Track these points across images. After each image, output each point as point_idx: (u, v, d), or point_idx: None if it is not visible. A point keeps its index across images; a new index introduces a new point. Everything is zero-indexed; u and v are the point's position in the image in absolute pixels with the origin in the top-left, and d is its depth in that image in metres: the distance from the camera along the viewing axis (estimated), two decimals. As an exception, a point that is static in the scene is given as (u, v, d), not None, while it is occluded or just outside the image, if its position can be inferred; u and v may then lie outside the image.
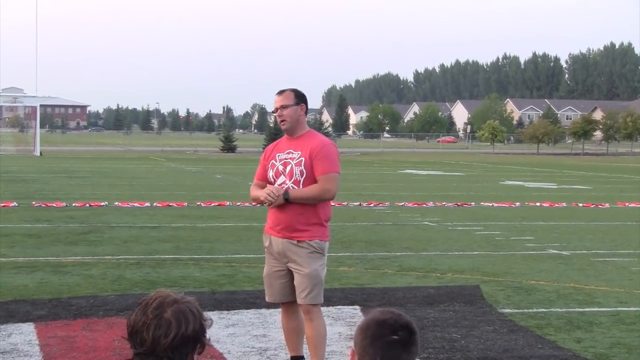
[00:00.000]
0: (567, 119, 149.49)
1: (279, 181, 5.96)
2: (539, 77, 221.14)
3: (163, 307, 2.55)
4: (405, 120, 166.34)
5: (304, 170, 5.90)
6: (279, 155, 6.03)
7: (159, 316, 2.53)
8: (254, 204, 6.40)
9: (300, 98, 6.06)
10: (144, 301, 2.60)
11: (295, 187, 5.89)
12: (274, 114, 6.15)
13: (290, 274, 5.98)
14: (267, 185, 6.00)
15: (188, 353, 2.56)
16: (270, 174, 6.03)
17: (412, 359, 2.52)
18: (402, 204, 21.36)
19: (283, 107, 5.99)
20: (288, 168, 5.95)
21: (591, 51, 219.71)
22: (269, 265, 6.08)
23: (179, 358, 2.54)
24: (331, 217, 6.10)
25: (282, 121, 6.01)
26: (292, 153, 5.97)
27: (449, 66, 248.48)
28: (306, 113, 6.10)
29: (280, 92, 6.09)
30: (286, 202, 5.83)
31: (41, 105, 78.71)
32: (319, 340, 5.96)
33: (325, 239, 5.99)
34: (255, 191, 6.11)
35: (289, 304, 6.08)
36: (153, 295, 2.61)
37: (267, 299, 6.21)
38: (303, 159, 5.92)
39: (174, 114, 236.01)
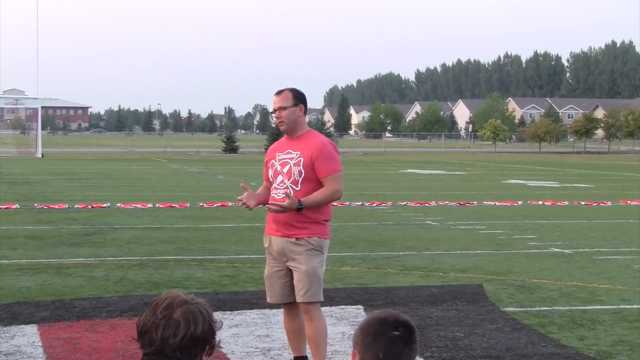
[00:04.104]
0: (568, 117, 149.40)
1: (278, 181, 5.98)
2: (540, 75, 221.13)
3: (172, 307, 2.56)
4: (407, 120, 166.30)
5: (303, 171, 5.91)
6: (278, 155, 6.04)
7: (168, 316, 2.54)
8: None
9: (298, 98, 6.03)
10: (154, 302, 2.62)
11: (293, 187, 5.90)
12: (273, 115, 6.13)
13: (290, 274, 5.98)
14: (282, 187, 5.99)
15: (197, 354, 2.56)
16: (270, 173, 6.07)
17: (413, 355, 2.55)
18: (405, 203, 21.36)
19: (281, 108, 5.97)
20: (286, 168, 5.96)
21: (592, 49, 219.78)
22: (269, 266, 6.09)
23: (187, 359, 2.55)
24: (331, 216, 6.10)
25: (280, 122, 6.01)
26: (291, 153, 5.98)
27: (450, 65, 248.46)
28: (305, 113, 6.09)
29: (278, 93, 6.05)
30: (299, 211, 5.82)
31: (43, 107, 78.78)
32: (319, 339, 5.96)
33: (325, 237, 5.99)
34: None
35: (290, 304, 6.08)
36: (163, 296, 2.62)
37: (268, 300, 6.21)
38: (302, 159, 5.92)
39: (176, 115, 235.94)
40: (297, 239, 5.89)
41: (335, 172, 5.95)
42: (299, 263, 5.89)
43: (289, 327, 6.18)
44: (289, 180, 5.93)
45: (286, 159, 5.99)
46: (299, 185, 5.91)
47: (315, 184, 5.94)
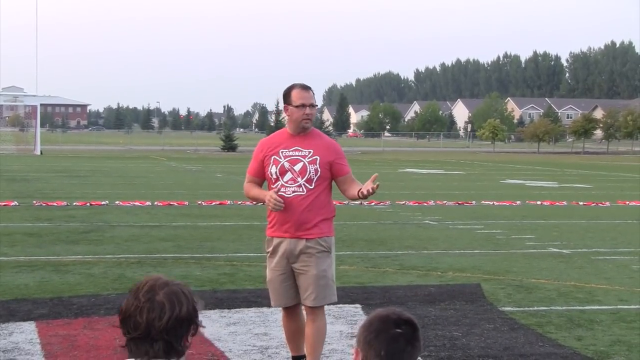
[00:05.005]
0: (567, 117, 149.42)
1: (286, 178, 5.80)
2: (539, 75, 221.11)
3: (155, 290, 2.54)
4: (406, 119, 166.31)
5: (319, 169, 5.81)
6: (283, 152, 5.85)
7: (152, 299, 2.53)
8: (252, 202, 6.36)
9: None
10: (135, 286, 2.60)
11: (307, 185, 5.78)
12: (300, 108, 5.80)
13: (293, 276, 5.87)
14: (285, 186, 5.86)
15: (182, 335, 2.55)
16: (273, 170, 5.84)
17: (416, 353, 2.55)
18: (403, 202, 21.37)
19: (312, 105, 5.86)
20: (299, 166, 5.80)
21: (592, 50, 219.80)
22: (272, 270, 5.93)
23: (174, 340, 2.54)
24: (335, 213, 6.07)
25: (308, 119, 5.85)
26: (302, 151, 5.83)
27: (449, 65, 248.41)
28: None
29: (307, 89, 5.90)
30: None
31: (41, 105, 78.71)
32: (318, 340, 5.91)
33: (332, 234, 5.95)
34: (256, 190, 5.98)
35: (292, 306, 5.99)
36: (144, 280, 2.61)
37: (273, 304, 6.07)
38: (318, 157, 5.81)
39: (175, 113, 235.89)
40: (307, 239, 5.78)
41: (350, 169, 6.03)
42: (308, 266, 5.78)
43: (288, 328, 6.10)
44: (302, 178, 5.78)
45: (297, 156, 5.82)
46: (313, 184, 5.80)
47: (327, 182, 5.89)
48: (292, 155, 5.83)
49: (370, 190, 5.71)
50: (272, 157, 5.87)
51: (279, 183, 5.83)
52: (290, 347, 6.21)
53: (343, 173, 5.91)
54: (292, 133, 5.91)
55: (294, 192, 5.79)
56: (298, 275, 5.85)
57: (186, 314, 2.55)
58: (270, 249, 5.93)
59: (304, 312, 6.06)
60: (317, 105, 5.95)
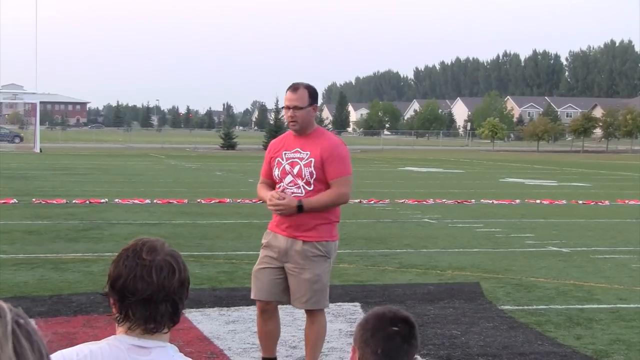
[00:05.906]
0: (567, 116, 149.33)
1: (287, 181, 5.77)
2: (539, 74, 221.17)
3: (156, 250, 2.42)
4: (406, 118, 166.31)
5: (314, 172, 5.71)
6: (285, 154, 5.80)
7: (156, 259, 2.40)
8: (255, 200, 6.36)
9: (313, 98, 5.80)
10: (131, 248, 2.45)
11: (306, 187, 5.71)
12: (285, 110, 5.79)
13: (282, 272, 5.80)
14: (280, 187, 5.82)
15: (184, 297, 2.47)
16: (276, 172, 5.82)
17: (413, 351, 2.55)
18: (403, 201, 21.37)
19: (297, 108, 5.69)
20: (296, 168, 5.75)
21: (591, 48, 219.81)
22: (262, 262, 5.88)
23: (180, 301, 2.45)
24: (340, 218, 5.96)
25: (293, 122, 5.72)
26: (301, 152, 5.76)
27: (449, 63, 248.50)
28: (315, 110, 5.87)
29: (294, 89, 5.75)
30: (299, 210, 5.64)
31: (41, 102, 78.67)
32: (317, 342, 5.89)
33: (334, 239, 5.83)
34: (263, 191, 5.92)
35: (268, 304, 5.88)
36: (137, 243, 2.45)
37: (252, 296, 5.96)
38: (313, 159, 5.71)
39: (174, 111, 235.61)
40: (304, 241, 5.71)
41: (344, 175, 5.75)
42: (302, 269, 5.71)
43: (262, 328, 5.96)
44: (301, 180, 5.72)
45: (295, 158, 5.76)
46: (312, 186, 5.71)
47: (328, 184, 5.79)
48: (292, 158, 5.78)
49: (275, 198, 5.69)
50: (276, 159, 5.85)
51: (282, 185, 5.81)
52: (262, 347, 6.07)
53: (327, 178, 5.72)
54: (295, 134, 5.86)
55: (292, 193, 5.75)
56: (290, 276, 5.78)
57: (187, 274, 2.45)
58: (266, 241, 5.91)
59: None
60: (303, 108, 5.69)
